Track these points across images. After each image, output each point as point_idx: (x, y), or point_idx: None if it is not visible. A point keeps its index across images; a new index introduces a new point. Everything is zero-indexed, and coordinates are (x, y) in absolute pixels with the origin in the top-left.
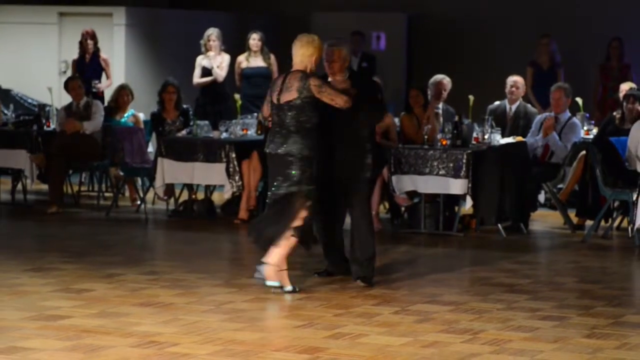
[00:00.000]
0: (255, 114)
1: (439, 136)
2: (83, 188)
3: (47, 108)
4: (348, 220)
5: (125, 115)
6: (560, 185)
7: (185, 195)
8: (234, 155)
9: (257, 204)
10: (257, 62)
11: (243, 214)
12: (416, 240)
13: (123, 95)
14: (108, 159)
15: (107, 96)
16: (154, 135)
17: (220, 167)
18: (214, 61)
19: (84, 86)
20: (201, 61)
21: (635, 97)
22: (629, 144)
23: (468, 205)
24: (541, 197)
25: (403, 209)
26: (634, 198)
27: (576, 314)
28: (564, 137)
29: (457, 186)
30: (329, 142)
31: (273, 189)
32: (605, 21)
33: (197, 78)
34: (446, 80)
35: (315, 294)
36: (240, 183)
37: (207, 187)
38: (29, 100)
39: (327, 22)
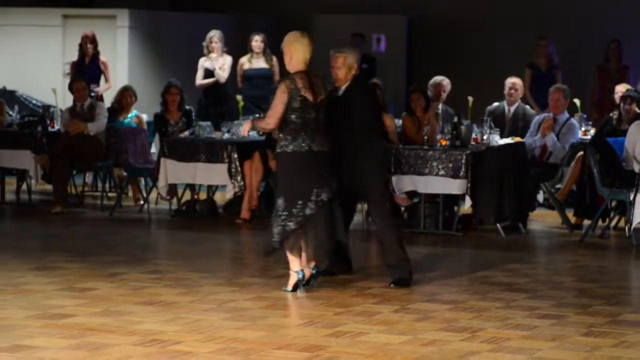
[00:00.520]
0: (257, 115)
1: (438, 137)
2: (87, 188)
3: (52, 109)
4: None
5: (129, 116)
6: (558, 185)
7: (187, 196)
8: (236, 155)
9: (258, 204)
10: (259, 63)
11: (245, 213)
12: (416, 240)
13: (126, 96)
14: (111, 160)
15: (107, 99)
16: (157, 136)
17: (222, 168)
18: (216, 63)
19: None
20: (203, 63)
21: (632, 98)
22: (626, 145)
23: (467, 205)
24: (539, 197)
25: (403, 208)
26: (631, 198)
27: (574, 312)
28: (562, 137)
29: (456, 186)
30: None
31: (321, 189)
32: (603, 23)
33: (199, 79)
34: (445, 82)
35: (316, 293)
36: (242, 183)
37: (210, 187)
38: (34, 102)
39: (327, 24)
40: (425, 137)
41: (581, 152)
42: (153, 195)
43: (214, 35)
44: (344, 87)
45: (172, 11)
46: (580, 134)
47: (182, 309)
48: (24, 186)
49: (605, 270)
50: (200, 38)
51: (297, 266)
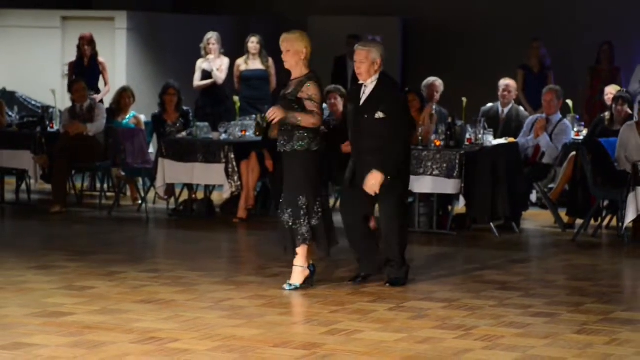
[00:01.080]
0: (254, 116)
1: (432, 137)
2: (86, 188)
3: (51, 110)
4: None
5: (127, 117)
6: (551, 185)
7: (185, 195)
8: (232, 155)
9: (255, 203)
10: (256, 64)
11: (242, 213)
12: (410, 239)
13: (125, 97)
14: (110, 160)
15: (105, 100)
16: (154, 136)
17: (219, 168)
18: (214, 64)
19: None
20: (201, 64)
21: (624, 99)
22: (618, 145)
23: (461, 205)
24: (532, 197)
25: None
26: (623, 197)
27: (567, 310)
28: (555, 138)
29: (450, 186)
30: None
31: (325, 187)
32: (595, 25)
33: (197, 81)
34: (438, 82)
35: (312, 291)
36: (239, 183)
37: (207, 187)
38: (33, 102)
39: (323, 25)
40: (420, 138)
41: (574, 153)
42: (151, 195)
43: (212, 36)
44: (370, 83)
45: (170, 13)
46: (572, 135)
47: (179, 307)
48: (24, 186)
49: (597, 268)
50: (198, 40)
51: (307, 262)
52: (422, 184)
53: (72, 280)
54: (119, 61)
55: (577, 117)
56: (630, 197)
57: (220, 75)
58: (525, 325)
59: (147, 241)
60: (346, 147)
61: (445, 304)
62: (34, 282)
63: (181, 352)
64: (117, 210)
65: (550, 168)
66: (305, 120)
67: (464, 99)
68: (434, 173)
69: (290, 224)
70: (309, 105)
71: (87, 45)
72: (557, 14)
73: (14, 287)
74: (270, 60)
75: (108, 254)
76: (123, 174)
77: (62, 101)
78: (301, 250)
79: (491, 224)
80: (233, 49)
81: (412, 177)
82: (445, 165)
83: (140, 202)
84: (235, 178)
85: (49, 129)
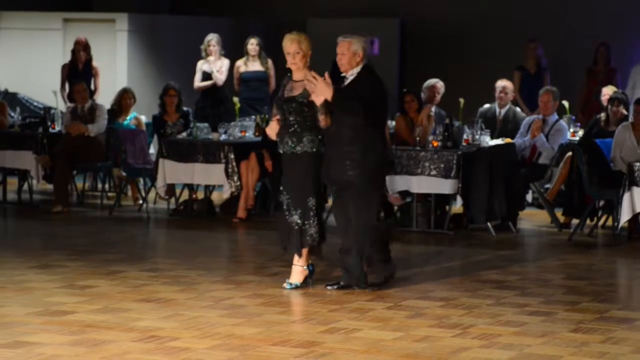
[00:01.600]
0: (253, 117)
1: (430, 138)
2: (87, 188)
3: (52, 111)
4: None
5: (128, 117)
6: (547, 185)
7: (185, 195)
8: (232, 156)
9: (254, 203)
10: (255, 66)
11: (241, 213)
12: (408, 238)
13: (125, 98)
14: (111, 160)
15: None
16: (155, 137)
17: (219, 168)
18: (214, 65)
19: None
20: (201, 65)
21: (619, 100)
22: (614, 146)
23: (458, 205)
24: (529, 197)
25: (396, 208)
26: (618, 198)
27: (563, 309)
28: (551, 138)
29: (447, 186)
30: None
31: None
32: (591, 26)
33: (197, 82)
34: (439, 84)
35: (311, 291)
36: (238, 183)
37: (207, 187)
38: (35, 103)
39: (322, 27)
40: (418, 138)
41: (570, 153)
42: (152, 195)
43: (212, 38)
44: (350, 75)
45: (171, 15)
46: (569, 135)
47: (179, 306)
48: (26, 186)
49: (593, 268)
50: (198, 41)
51: (306, 262)
52: (420, 184)
53: (74, 280)
54: (120, 62)
55: (573, 117)
56: (626, 197)
57: (220, 77)
58: (522, 324)
59: (147, 241)
60: None
61: (442, 303)
62: (36, 281)
63: (181, 351)
64: (118, 210)
65: (546, 168)
66: (324, 121)
67: (462, 100)
68: (432, 173)
69: (301, 224)
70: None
71: (82, 51)
72: (553, 15)
73: (15, 286)
74: (270, 62)
75: (109, 253)
76: (124, 174)
77: (63, 102)
78: (305, 251)
79: (488, 223)
80: (232, 51)
81: (410, 178)
82: (442, 165)
83: (141, 202)
84: (235, 178)
85: (50, 129)
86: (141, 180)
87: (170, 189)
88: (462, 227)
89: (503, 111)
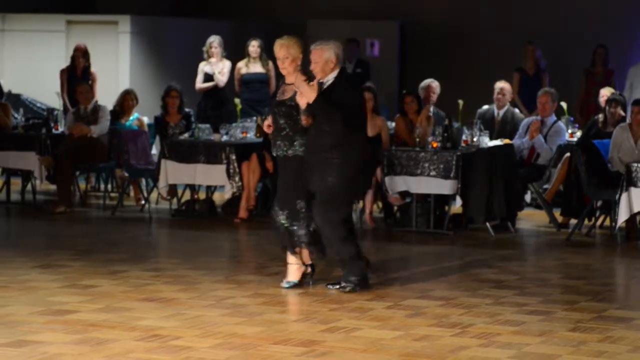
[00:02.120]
0: (254, 118)
1: (429, 139)
2: (89, 188)
3: (55, 112)
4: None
5: (130, 118)
6: (545, 186)
7: (187, 196)
8: (234, 157)
9: (255, 204)
10: (256, 68)
11: (243, 213)
12: (408, 238)
13: (128, 99)
14: (114, 161)
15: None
16: (157, 137)
17: (220, 169)
18: (216, 67)
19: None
20: (203, 67)
21: (617, 101)
22: (611, 147)
23: (458, 205)
24: (527, 197)
25: (396, 208)
26: (616, 198)
27: (561, 308)
28: (550, 139)
29: (447, 186)
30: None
31: None
32: (589, 28)
33: (199, 83)
34: (435, 84)
35: (311, 290)
36: (240, 184)
37: (209, 187)
38: (38, 105)
39: (322, 29)
40: (417, 139)
41: (568, 154)
42: (154, 195)
43: (214, 40)
44: (326, 81)
45: (173, 17)
46: (567, 136)
47: (181, 305)
48: (29, 186)
49: (591, 267)
50: (199, 43)
51: (304, 261)
52: (420, 185)
53: (76, 279)
54: (123, 64)
55: (572, 119)
56: (623, 198)
57: (221, 78)
58: (521, 323)
59: (149, 240)
60: None
61: (442, 302)
62: (39, 280)
63: (183, 350)
64: (121, 210)
65: (545, 169)
66: (306, 120)
67: (461, 101)
68: (431, 174)
69: (287, 225)
70: None
71: (81, 57)
72: (552, 18)
73: (19, 286)
74: (271, 64)
75: (111, 253)
76: (126, 174)
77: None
78: (300, 250)
79: (487, 223)
80: (232, 53)
81: (409, 178)
82: (442, 166)
83: (143, 202)
84: (237, 179)
85: (53, 130)
86: (143, 180)
87: (172, 189)
88: (461, 227)
89: (502, 112)
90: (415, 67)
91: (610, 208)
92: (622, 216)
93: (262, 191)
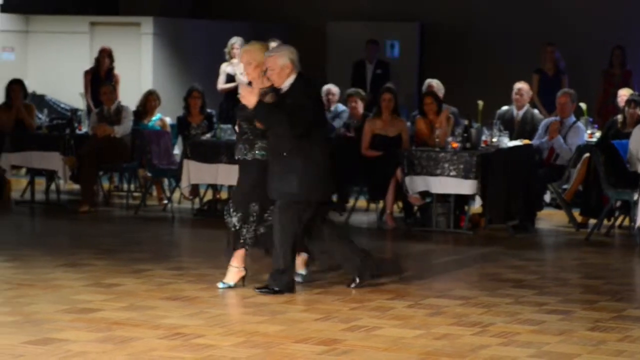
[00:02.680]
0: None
1: (449, 139)
2: (112, 188)
3: (79, 112)
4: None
5: (153, 119)
6: (565, 186)
7: (209, 195)
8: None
9: None
10: None
11: None
12: (428, 238)
13: (151, 100)
14: (136, 161)
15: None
16: (179, 138)
17: None
18: (237, 68)
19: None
20: (225, 68)
21: (636, 102)
22: (630, 147)
23: (477, 205)
24: (546, 197)
25: (416, 208)
26: (635, 198)
27: (580, 308)
28: (569, 140)
29: (467, 186)
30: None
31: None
32: (607, 30)
33: (221, 84)
34: (434, 82)
35: (333, 289)
36: None
37: (230, 187)
38: (62, 105)
39: (342, 31)
40: (437, 140)
41: (587, 154)
42: (176, 195)
43: (236, 41)
44: (284, 87)
45: (195, 19)
46: (586, 137)
47: (204, 303)
48: (53, 186)
49: (610, 267)
50: (221, 44)
51: (243, 264)
52: (440, 185)
53: (100, 278)
54: (145, 65)
55: (591, 119)
56: None
57: (243, 79)
58: (540, 322)
59: (172, 240)
60: (367, 152)
61: (462, 302)
62: (64, 279)
63: (206, 348)
64: (144, 209)
65: (564, 169)
66: (259, 123)
67: (480, 102)
68: (451, 174)
69: (238, 227)
70: None
71: (107, 58)
72: (571, 19)
73: (44, 284)
74: None
75: (135, 252)
76: (149, 174)
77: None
78: (240, 253)
79: (506, 223)
80: None
81: (429, 178)
82: (462, 166)
83: (165, 202)
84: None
85: (77, 131)
86: (166, 180)
87: (195, 189)
88: (481, 227)
89: (521, 113)
90: (435, 68)
91: (629, 208)
92: None
93: None
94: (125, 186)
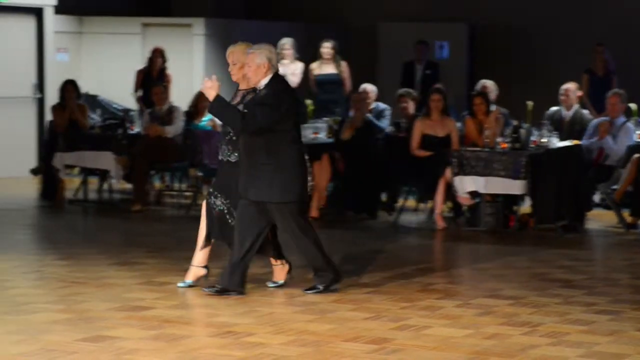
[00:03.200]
0: (326, 119)
1: (499, 139)
2: (164, 187)
3: (131, 113)
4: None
5: (204, 119)
6: (614, 186)
7: None
8: (306, 157)
9: (326, 203)
10: (329, 69)
11: (314, 212)
12: (477, 238)
13: (202, 100)
14: (188, 161)
15: (183, 103)
16: None
17: None
18: (288, 69)
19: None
20: None
21: None
22: None
23: (526, 205)
24: (596, 198)
25: (465, 208)
26: None
27: (630, 308)
28: (618, 140)
29: (516, 187)
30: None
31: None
32: None
33: None
34: (489, 83)
35: (382, 289)
36: (311, 183)
37: None
38: (114, 106)
39: (392, 31)
40: (486, 140)
41: (637, 155)
42: None
43: (286, 42)
44: (259, 87)
45: (246, 20)
46: (635, 137)
47: (254, 302)
48: (106, 185)
49: None
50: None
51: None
52: (490, 185)
53: (152, 276)
54: (197, 66)
55: None
56: None
57: (294, 80)
58: (590, 323)
59: None
60: (417, 152)
61: (511, 301)
62: (116, 277)
63: (256, 346)
64: (195, 209)
65: (613, 170)
66: None
67: (530, 102)
68: (501, 174)
69: (226, 212)
70: None
71: (159, 58)
72: (620, 20)
73: (96, 282)
74: (344, 64)
75: (186, 251)
76: (200, 174)
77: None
78: (205, 251)
79: (556, 223)
80: (302, 55)
81: (479, 178)
82: (511, 166)
83: None
84: (308, 178)
85: (129, 131)
86: None
87: None
88: (530, 227)
89: (570, 113)
90: (484, 69)
91: None
92: None
93: (333, 191)
94: (176, 186)
